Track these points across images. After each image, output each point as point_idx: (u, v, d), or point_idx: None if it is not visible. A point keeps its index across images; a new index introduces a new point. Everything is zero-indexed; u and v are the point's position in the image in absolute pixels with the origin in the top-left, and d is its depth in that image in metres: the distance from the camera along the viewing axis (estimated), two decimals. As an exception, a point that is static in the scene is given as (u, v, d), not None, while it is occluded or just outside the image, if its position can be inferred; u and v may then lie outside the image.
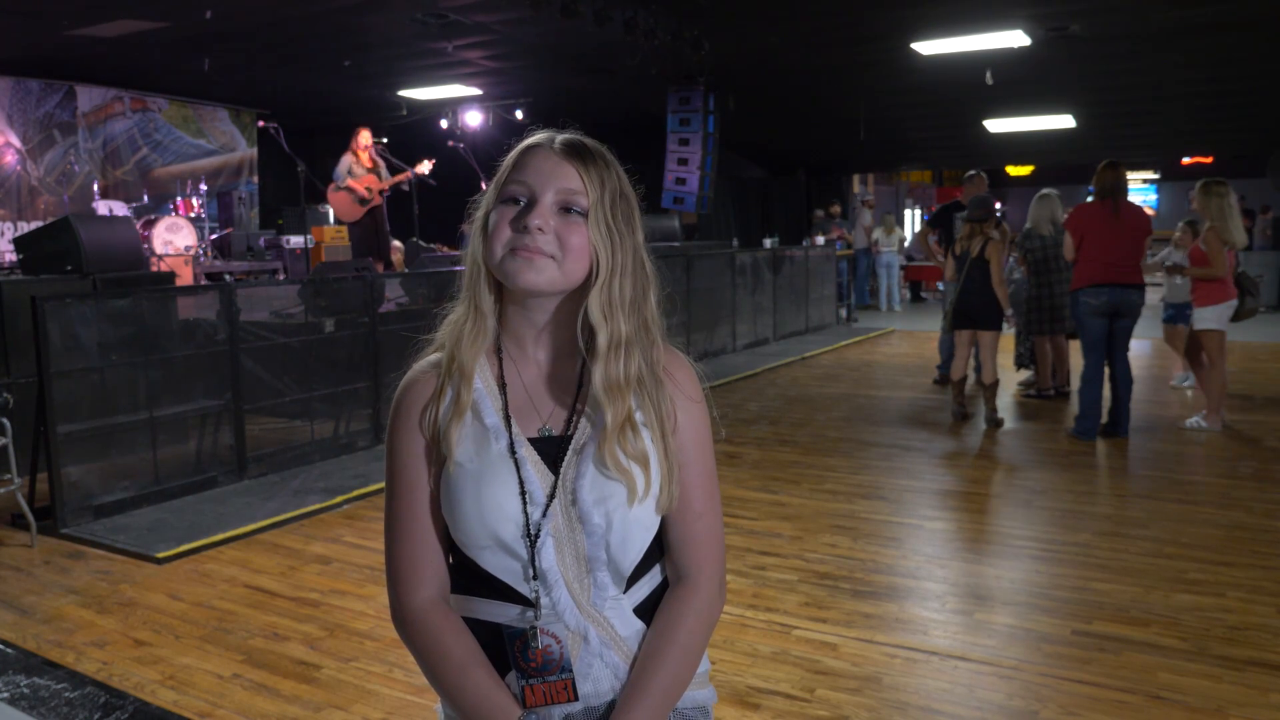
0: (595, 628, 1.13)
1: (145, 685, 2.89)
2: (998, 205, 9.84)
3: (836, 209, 14.49)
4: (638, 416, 1.14)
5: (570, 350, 1.17)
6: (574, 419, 1.16)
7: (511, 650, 1.12)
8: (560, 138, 1.15)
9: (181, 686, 2.89)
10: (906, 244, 15.58)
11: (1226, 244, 6.00)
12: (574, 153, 1.12)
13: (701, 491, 1.20)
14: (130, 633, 3.28)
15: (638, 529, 1.14)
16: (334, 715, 2.71)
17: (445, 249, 9.49)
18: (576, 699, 1.12)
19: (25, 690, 2.87)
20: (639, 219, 1.17)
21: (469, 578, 1.18)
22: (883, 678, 2.89)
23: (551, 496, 1.12)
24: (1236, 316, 6.25)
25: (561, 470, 1.13)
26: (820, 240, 12.97)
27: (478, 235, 1.15)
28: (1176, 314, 6.87)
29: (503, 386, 1.17)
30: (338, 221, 9.54)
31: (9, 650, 3.15)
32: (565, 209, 1.11)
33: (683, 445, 1.19)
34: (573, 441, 1.14)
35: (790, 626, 3.25)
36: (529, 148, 1.14)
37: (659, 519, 1.18)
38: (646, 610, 1.18)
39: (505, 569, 1.13)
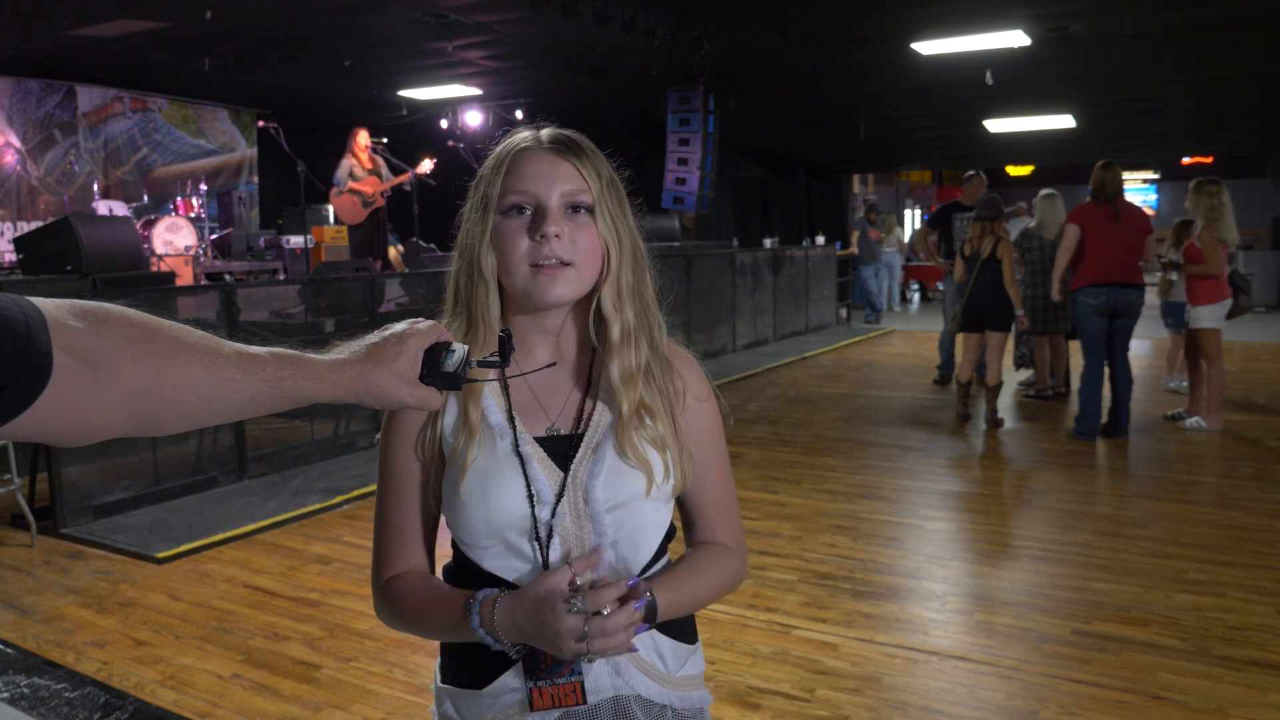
0: None
1: (145, 685, 2.89)
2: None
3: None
4: (646, 401, 1.14)
5: (579, 348, 1.17)
6: (586, 416, 1.15)
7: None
8: (548, 135, 1.13)
9: (181, 686, 2.89)
10: (906, 240, 15.42)
11: (1222, 242, 6.02)
12: (567, 149, 1.11)
13: (725, 484, 1.25)
14: (130, 633, 3.28)
15: (648, 532, 1.15)
16: (334, 715, 2.71)
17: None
18: (585, 702, 1.12)
19: (25, 690, 2.87)
20: (627, 200, 1.17)
21: (470, 578, 1.17)
22: (883, 678, 2.89)
23: (560, 495, 1.11)
24: (1230, 314, 6.29)
25: (573, 468, 1.12)
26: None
27: (481, 249, 1.12)
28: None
29: (505, 386, 1.16)
30: (338, 222, 9.54)
31: (9, 650, 3.15)
32: (573, 209, 1.10)
33: (700, 443, 1.20)
34: (585, 439, 1.13)
35: (790, 626, 3.25)
36: (519, 151, 1.12)
37: (670, 512, 1.19)
38: None
39: (508, 569, 1.13)
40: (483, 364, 1.05)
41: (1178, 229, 6.55)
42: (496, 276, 1.13)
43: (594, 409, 1.15)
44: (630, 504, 1.12)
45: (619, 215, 1.13)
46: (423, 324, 1.03)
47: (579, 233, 1.09)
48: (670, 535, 1.22)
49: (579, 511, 1.11)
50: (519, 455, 1.12)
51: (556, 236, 1.07)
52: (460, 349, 1.03)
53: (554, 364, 1.17)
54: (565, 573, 1.04)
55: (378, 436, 1.23)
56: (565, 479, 1.12)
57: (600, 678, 1.13)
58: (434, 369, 1.01)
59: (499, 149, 1.15)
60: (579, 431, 1.14)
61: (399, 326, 1.02)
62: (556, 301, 1.10)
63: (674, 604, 1.13)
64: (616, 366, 1.12)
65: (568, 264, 1.08)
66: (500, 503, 1.10)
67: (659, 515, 1.16)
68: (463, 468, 1.12)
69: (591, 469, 1.12)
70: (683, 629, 1.21)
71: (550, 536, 1.10)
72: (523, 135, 1.14)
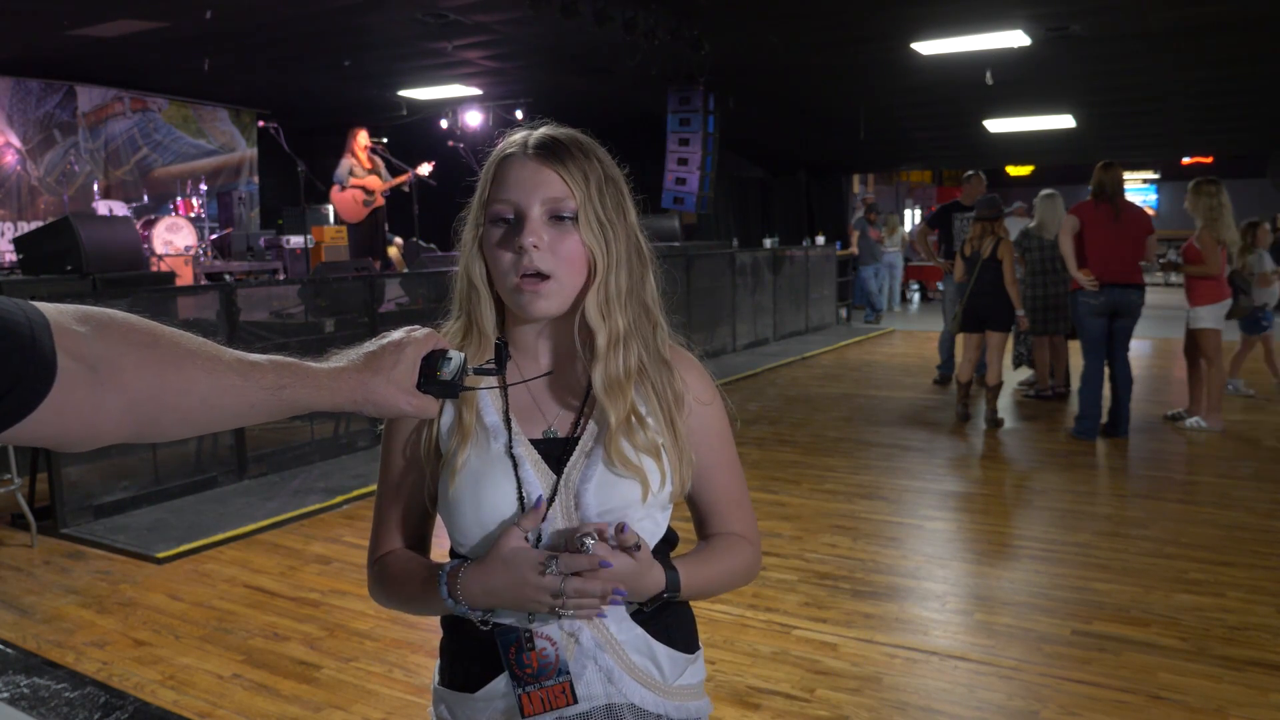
0: (589, 629, 1.11)
1: (145, 685, 2.89)
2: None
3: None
4: (641, 408, 1.13)
5: (579, 351, 1.16)
6: (581, 422, 1.14)
7: (505, 656, 1.10)
8: (534, 140, 1.11)
9: (181, 686, 2.89)
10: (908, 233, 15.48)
11: (1220, 243, 6.03)
12: (551, 155, 1.09)
13: (735, 482, 1.24)
14: (130, 633, 3.28)
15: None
16: (334, 715, 2.71)
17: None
18: (576, 701, 1.10)
19: (25, 690, 2.87)
20: (629, 199, 1.14)
21: None
22: (883, 678, 2.89)
23: (551, 498, 1.11)
24: (1230, 314, 6.32)
25: (565, 471, 1.11)
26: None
27: (470, 254, 1.13)
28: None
29: (505, 391, 1.16)
30: (338, 221, 9.54)
31: (9, 650, 3.15)
32: (555, 217, 1.08)
33: (707, 445, 1.19)
34: (580, 443, 1.13)
35: (790, 626, 3.25)
36: (505, 158, 1.11)
37: (667, 519, 1.17)
38: (645, 618, 1.15)
39: None
40: (479, 371, 1.06)
41: (1244, 231, 6.65)
42: (488, 283, 1.13)
43: (591, 413, 1.14)
44: (624, 510, 1.10)
45: (611, 219, 1.11)
46: (419, 332, 1.03)
47: (561, 241, 1.08)
48: (671, 543, 1.21)
49: (570, 515, 1.10)
50: (512, 457, 1.11)
51: (535, 247, 1.07)
52: (457, 356, 1.03)
53: (550, 373, 1.17)
54: (516, 532, 1.06)
55: (380, 427, 1.24)
56: (558, 482, 1.11)
57: (592, 685, 1.11)
58: (431, 377, 1.01)
59: (492, 154, 1.15)
60: (575, 435, 1.14)
61: (396, 334, 1.02)
62: (541, 316, 1.10)
63: (694, 580, 1.14)
64: (600, 375, 1.11)
65: (547, 277, 1.08)
66: (491, 504, 1.10)
67: (654, 523, 1.14)
68: (454, 469, 1.12)
69: (584, 474, 1.11)
70: (681, 637, 1.19)
71: (540, 539, 1.10)
72: (512, 139, 1.13)
